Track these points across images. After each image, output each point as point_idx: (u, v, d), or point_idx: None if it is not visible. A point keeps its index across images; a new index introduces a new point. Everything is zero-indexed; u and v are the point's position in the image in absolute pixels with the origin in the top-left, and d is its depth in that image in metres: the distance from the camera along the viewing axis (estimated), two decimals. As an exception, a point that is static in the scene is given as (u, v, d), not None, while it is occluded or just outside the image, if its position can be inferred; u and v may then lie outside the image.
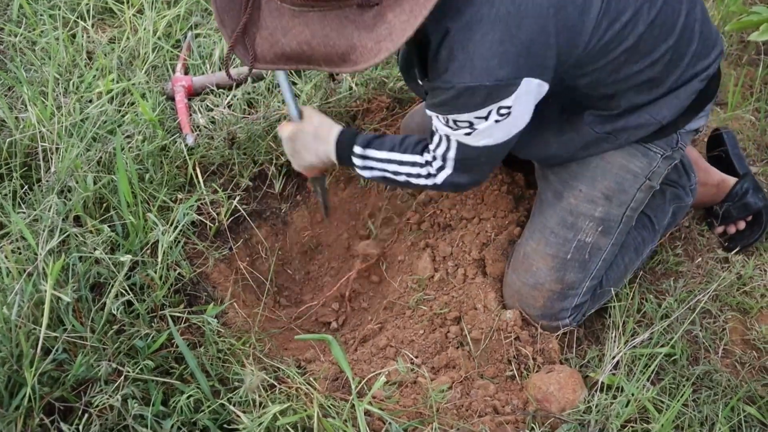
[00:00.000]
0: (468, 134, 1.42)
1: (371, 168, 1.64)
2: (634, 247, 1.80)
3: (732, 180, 1.99)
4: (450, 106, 1.37)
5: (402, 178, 1.62)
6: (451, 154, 1.50)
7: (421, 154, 1.58)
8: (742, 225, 1.97)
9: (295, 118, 1.70)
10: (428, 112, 1.45)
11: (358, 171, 1.66)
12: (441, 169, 1.55)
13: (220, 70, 2.25)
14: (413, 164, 1.59)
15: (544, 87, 1.38)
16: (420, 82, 1.52)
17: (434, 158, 1.55)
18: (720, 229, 2.00)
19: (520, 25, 1.25)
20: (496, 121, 1.37)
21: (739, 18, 2.29)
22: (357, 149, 1.62)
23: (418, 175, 1.60)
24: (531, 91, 1.35)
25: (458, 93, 1.32)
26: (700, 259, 1.95)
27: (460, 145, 1.46)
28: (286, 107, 1.74)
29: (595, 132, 1.58)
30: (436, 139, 1.51)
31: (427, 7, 1.16)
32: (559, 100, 1.55)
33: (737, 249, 1.93)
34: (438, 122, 1.45)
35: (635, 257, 1.80)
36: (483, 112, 1.35)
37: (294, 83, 2.20)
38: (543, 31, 1.27)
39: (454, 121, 1.40)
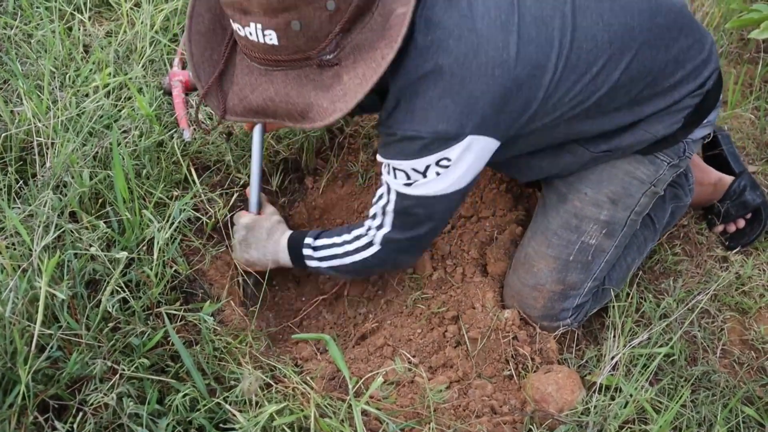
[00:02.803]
0: (407, 185, 1.47)
1: (320, 258, 1.68)
2: (637, 247, 1.80)
3: (729, 178, 1.99)
4: (391, 151, 1.44)
5: (348, 260, 1.65)
6: (390, 206, 1.53)
7: (362, 225, 1.63)
8: (741, 223, 1.97)
9: (253, 209, 1.80)
10: (378, 158, 1.51)
11: (309, 263, 1.70)
12: (380, 227, 1.58)
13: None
14: (357, 238, 1.63)
15: (494, 144, 1.42)
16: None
17: (374, 216, 1.58)
18: (720, 228, 1.99)
19: (463, 84, 1.31)
20: (437, 174, 1.41)
21: (739, 16, 2.28)
22: (308, 240, 1.70)
23: (360, 248, 1.63)
24: (478, 148, 1.40)
25: (398, 139, 1.39)
26: (698, 258, 1.95)
27: (399, 195, 1.50)
28: (250, 195, 1.82)
29: (591, 152, 1.58)
30: (379, 192, 1.56)
31: (377, 72, 1.24)
32: (544, 137, 1.56)
33: (738, 248, 1.93)
34: (383, 170, 1.52)
35: (637, 256, 1.80)
36: (420, 165, 1.40)
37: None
38: (488, 90, 1.31)
39: (394, 169, 1.45)
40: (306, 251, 1.70)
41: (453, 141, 1.36)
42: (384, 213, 1.56)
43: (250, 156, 2.02)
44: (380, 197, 1.56)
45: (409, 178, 1.45)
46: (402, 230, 1.55)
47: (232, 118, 1.38)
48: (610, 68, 1.41)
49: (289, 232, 1.76)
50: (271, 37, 1.23)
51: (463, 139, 1.36)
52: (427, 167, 1.41)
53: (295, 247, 1.71)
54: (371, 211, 1.60)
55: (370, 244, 1.61)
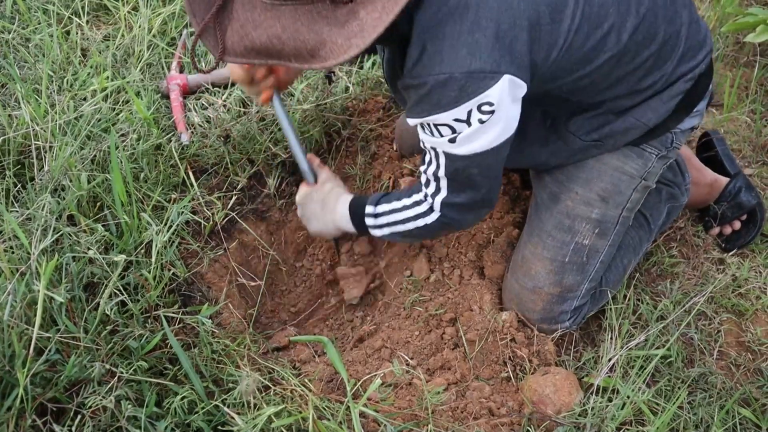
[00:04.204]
0: (452, 141, 1.35)
1: (382, 225, 1.62)
2: (632, 248, 1.80)
3: (724, 180, 2.00)
4: (426, 105, 1.32)
5: (410, 225, 1.57)
6: (441, 171, 1.44)
7: (420, 190, 1.54)
8: (737, 225, 1.98)
9: (308, 179, 1.74)
10: (410, 121, 1.40)
11: (373, 232, 1.64)
12: (436, 193, 1.49)
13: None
14: (416, 203, 1.55)
15: (523, 88, 1.32)
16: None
17: (428, 182, 1.49)
18: (716, 231, 2.00)
19: (489, 17, 1.23)
20: (481, 122, 1.31)
21: (735, 19, 2.29)
22: (369, 209, 1.62)
23: (420, 214, 1.54)
24: (515, 93, 1.31)
25: (431, 88, 1.28)
26: (695, 260, 1.95)
27: (448, 158, 1.40)
28: (300, 169, 1.76)
29: (581, 140, 1.58)
30: (426, 158, 1.47)
31: (399, 4, 1.15)
32: (540, 106, 1.54)
33: (735, 250, 1.94)
34: (423, 133, 1.42)
35: (633, 257, 1.81)
36: (462, 113, 1.29)
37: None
38: (515, 23, 1.25)
39: (435, 126, 1.35)
40: (368, 221, 1.63)
41: (490, 80, 1.25)
42: (437, 179, 1.46)
43: (249, 158, 2.03)
44: (429, 163, 1.45)
45: (454, 131, 1.33)
46: (459, 192, 1.46)
47: (231, 59, 1.28)
48: (620, 28, 1.37)
49: (345, 198, 1.68)
50: None
51: (500, 77, 1.26)
52: (470, 113, 1.29)
53: (357, 216, 1.65)
54: (423, 179, 1.50)
55: (430, 210, 1.52)
